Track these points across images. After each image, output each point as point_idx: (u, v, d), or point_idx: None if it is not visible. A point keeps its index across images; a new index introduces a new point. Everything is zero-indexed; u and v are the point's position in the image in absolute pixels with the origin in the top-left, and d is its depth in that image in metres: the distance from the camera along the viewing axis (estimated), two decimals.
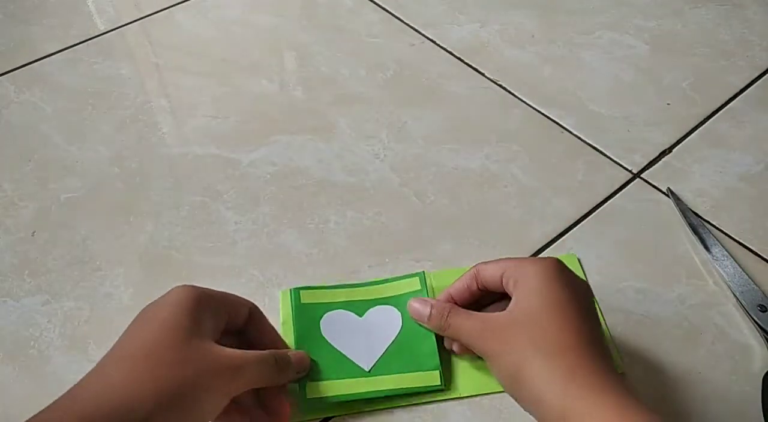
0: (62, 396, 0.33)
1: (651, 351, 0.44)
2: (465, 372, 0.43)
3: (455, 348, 0.43)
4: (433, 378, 0.42)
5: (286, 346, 0.43)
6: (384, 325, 0.44)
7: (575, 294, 0.38)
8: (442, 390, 0.42)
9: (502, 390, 0.40)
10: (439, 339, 0.44)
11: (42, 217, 0.52)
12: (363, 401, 0.41)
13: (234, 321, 0.40)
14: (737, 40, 0.68)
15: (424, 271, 0.47)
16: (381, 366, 0.42)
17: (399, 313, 0.45)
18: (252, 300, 0.41)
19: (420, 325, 0.44)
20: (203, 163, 0.56)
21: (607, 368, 0.35)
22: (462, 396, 0.42)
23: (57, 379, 0.43)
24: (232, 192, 0.54)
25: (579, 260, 0.49)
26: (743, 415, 0.41)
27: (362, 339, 0.43)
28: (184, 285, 0.38)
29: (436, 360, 0.42)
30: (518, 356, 0.36)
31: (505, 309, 0.39)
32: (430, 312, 0.42)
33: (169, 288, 0.38)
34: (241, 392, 0.36)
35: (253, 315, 0.41)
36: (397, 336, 0.44)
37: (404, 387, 0.41)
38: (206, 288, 0.38)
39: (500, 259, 0.41)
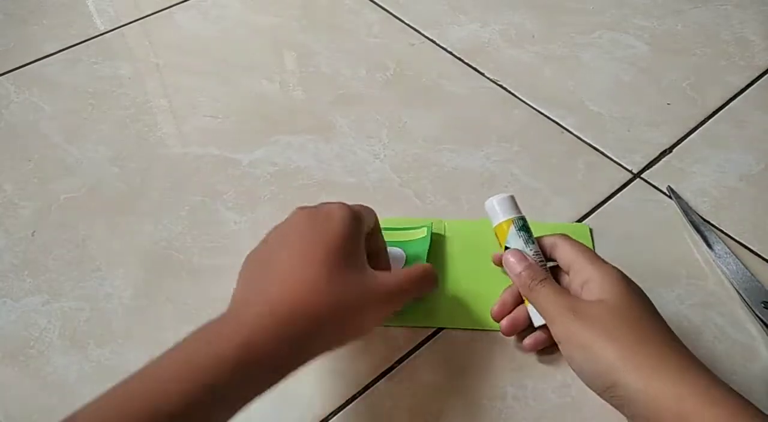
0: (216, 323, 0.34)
1: None
2: (453, 306, 0.46)
3: (527, 343, 0.43)
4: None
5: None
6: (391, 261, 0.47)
7: (647, 299, 0.39)
8: (429, 314, 0.46)
9: (484, 328, 0.45)
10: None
11: (42, 217, 0.52)
12: None
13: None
14: (737, 40, 0.68)
15: (432, 222, 0.50)
16: None
17: (404, 254, 0.48)
18: None
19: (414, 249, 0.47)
20: (203, 163, 0.56)
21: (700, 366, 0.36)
22: (446, 326, 0.45)
23: (57, 379, 0.43)
24: (232, 192, 0.54)
25: (591, 231, 0.51)
26: None
27: None
28: (339, 207, 0.39)
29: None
30: (615, 353, 0.35)
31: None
32: (523, 269, 0.42)
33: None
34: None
35: (376, 227, 0.44)
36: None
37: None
38: (355, 210, 0.40)
39: (575, 243, 0.42)
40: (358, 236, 0.39)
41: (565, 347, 0.38)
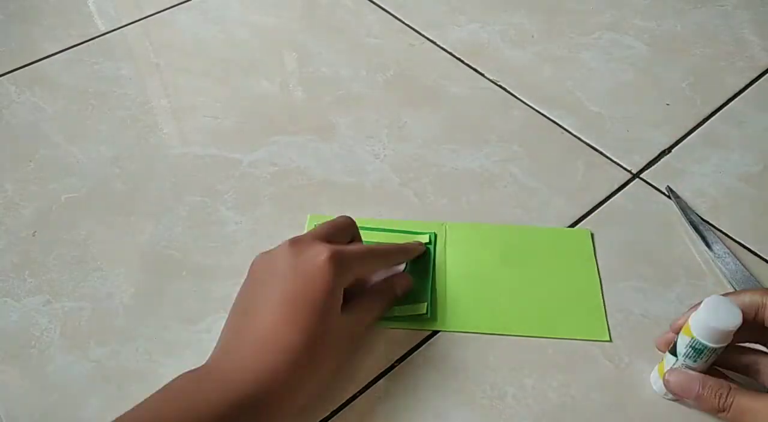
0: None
1: (651, 351, 0.44)
2: (452, 310, 0.46)
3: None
4: (421, 308, 0.45)
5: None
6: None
7: None
8: (428, 319, 0.45)
9: (482, 331, 0.45)
10: (434, 280, 0.47)
11: (42, 217, 0.52)
12: None
13: None
14: (737, 40, 0.68)
15: (435, 233, 0.50)
16: None
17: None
18: None
19: (417, 264, 0.47)
20: (203, 163, 0.56)
21: None
22: (445, 329, 0.45)
23: (58, 379, 0.43)
24: (232, 192, 0.54)
25: (592, 235, 0.50)
26: None
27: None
28: (326, 258, 0.39)
29: (427, 295, 0.46)
30: None
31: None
32: (700, 390, 0.38)
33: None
34: None
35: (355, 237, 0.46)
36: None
37: (394, 314, 0.45)
38: (337, 253, 0.39)
39: None
40: (340, 287, 0.39)
41: None
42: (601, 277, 0.48)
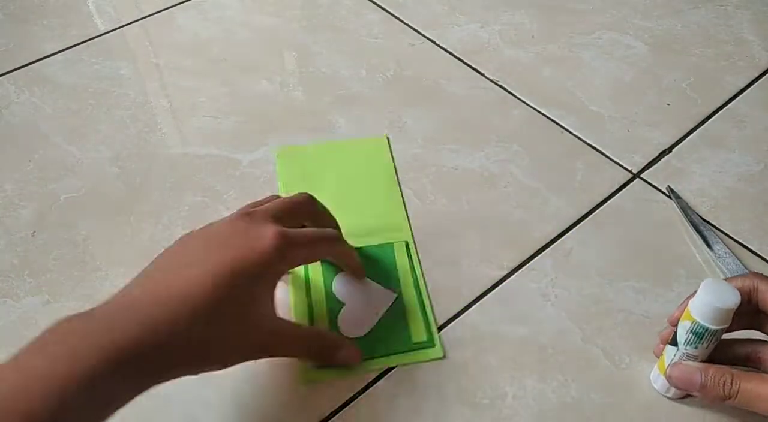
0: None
1: (652, 351, 0.43)
2: None
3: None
4: (435, 352, 0.44)
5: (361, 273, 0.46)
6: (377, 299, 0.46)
7: None
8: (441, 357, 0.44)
9: None
10: (431, 309, 0.46)
11: (42, 217, 0.52)
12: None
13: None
14: (737, 40, 0.68)
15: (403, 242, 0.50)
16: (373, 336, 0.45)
17: (393, 296, 0.46)
18: None
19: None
20: (203, 163, 0.56)
21: None
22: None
23: None
24: (232, 192, 0.54)
25: (388, 139, 0.56)
26: (745, 412, 0.41)
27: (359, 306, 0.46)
28: (274, 234, 0.37)
29: (433, 335, 0.44)
30: None
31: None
32: (703, 379, 0.37)
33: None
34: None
35: (339, 254, 0.44)
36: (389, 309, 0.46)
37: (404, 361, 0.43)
38: (294, 241, 0.38)
39: None
40: (274, 271, 0.37)
41: None
42: (602, 277, 0.48)
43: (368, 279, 0.47)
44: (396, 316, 0.45)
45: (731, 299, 0.36)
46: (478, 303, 0.47)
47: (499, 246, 0.50)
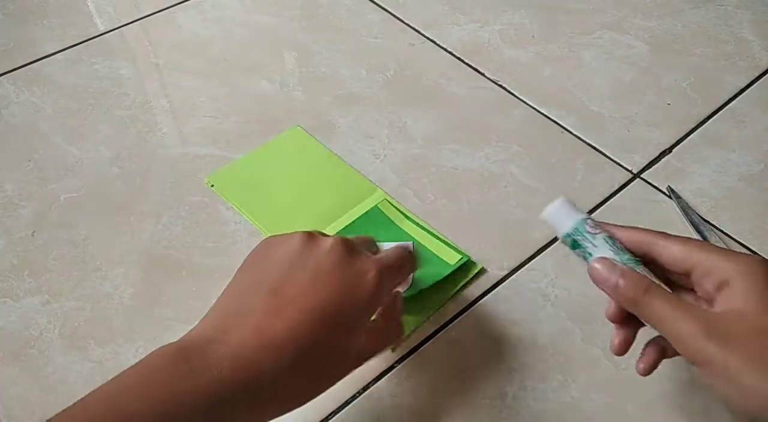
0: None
1: None
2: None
3: (641, 366, 0.36)
4: (474, 266, 0.48)
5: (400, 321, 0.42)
6: None
7: None
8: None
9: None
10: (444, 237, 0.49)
11: (42, 217, 0.52)
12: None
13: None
14: (737, 40, 0.68)
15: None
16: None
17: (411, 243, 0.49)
18: None
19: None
20: (203, 163, 0.56)
21: None
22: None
23: (57, 379, 0.43)
24: None
25: (304, 130, 0.57)
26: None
27: None
28: (375, 273, 0.35)
29: (463, 252, 0.48)
30: None
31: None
32: (618, 281, 0.33)
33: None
34: None
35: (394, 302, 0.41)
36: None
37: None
38: (389, 269, 0.36)
39: (687, 241, 0.34)
40: (375, 307, 0.36)
41: (702, 374, 0.31)
42: None
43: (381, 243, 0.46)
44: (424, 258, 0.48)
45: (559, 201, 0.37)
46: (478, 303, 0.47)
47: (499, 246, 0.50)
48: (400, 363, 0.44)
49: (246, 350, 0.32)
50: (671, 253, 0.34)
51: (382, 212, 0.51)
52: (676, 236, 0.35)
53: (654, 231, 0.35)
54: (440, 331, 0.45)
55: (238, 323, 0.33)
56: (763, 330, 0.29)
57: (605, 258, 0.35)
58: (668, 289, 0.33)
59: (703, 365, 0.30)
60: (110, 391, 0.30)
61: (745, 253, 0.33)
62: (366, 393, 0.42)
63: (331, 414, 0.41)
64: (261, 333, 0.32)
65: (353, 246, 0.37)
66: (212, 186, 0.54)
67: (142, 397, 0.29)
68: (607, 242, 0.35)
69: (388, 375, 0.43)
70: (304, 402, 0.34)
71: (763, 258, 0.33)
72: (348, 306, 0.34)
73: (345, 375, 0.36)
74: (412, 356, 0.44)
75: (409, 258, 0.40)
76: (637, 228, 0.36)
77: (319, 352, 0.33)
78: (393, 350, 0.44)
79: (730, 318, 0.30)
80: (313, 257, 0.35)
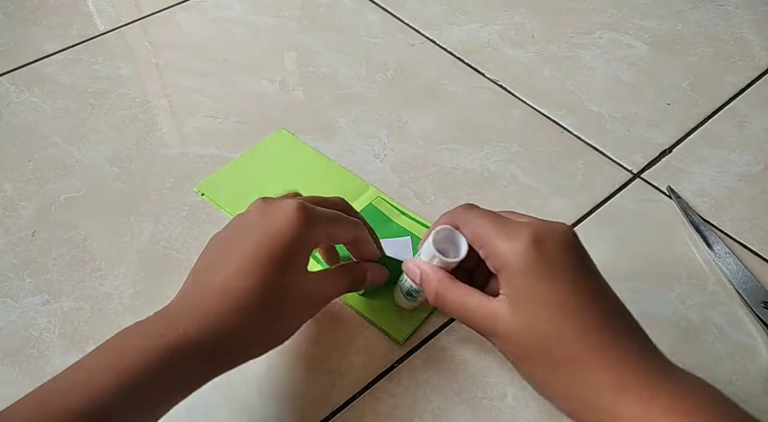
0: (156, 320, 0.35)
1: None
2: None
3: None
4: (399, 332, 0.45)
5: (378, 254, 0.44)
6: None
7: (577, 264, 0.35)
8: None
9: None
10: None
11: (42, 217, 0.52)
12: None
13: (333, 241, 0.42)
14: (737, 40, 0.68)
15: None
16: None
17: (408, 237, 0.50)
18: None
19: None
20: (203, 163, 0.56)
21: (648, 354, 0.32)
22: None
23: None
24: None
25: (289, 131, 0.57)
26: None
27: None
28: (293, 208, 0.37)
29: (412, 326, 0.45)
30: (542, 366, 0.33)
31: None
32: (421, 277, 0.39)
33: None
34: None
35: (357, 239, 0.42)
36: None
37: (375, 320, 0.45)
38: (312, 214, 0.38)
39: (484, 212, 0.38)
40: (307, 242, 0.38)
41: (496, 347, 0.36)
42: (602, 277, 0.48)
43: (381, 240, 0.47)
44: None
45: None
46: None
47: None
48: (400, 364, 0.44)
49: (193, 306, 0.35)
50: (474, 229, 0.37)
51: (377, 209, 0.52)
52: (482, 210, 0.38)
53: (464, 206, 0.39)
54: (440, 331, 0.45)
55: (184, 290, 0.38)
56: (530, 332, 0.33)
57: (413, 258, 0.40)
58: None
59: (492, 340, 0.36)
60: (84, 357, 0.33)
61: (525, 226, 0.34)
62: (366, 393, 0.42)
63: (331, 414, 0.41)
64: (202, 292, 0.36)
65: (272, 198, 0.39)
66: (203, 195, 0.53)
67: (107, 355, 0.33)
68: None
69: (388, 375, 0.43)
70: (271, 344, 0.37)
71: (542, 226, 0.35)
72: (276, 244, 0.36)
73: (306, 315, 0.39)
74: (411, 356, 0.44)
75: (350, 222, 0.41)
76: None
77: (258, 287, 0.35)
78: (363, 294, 0.46)
79: (501, 305, 0.34)
80: (240, 220, 0.39)
